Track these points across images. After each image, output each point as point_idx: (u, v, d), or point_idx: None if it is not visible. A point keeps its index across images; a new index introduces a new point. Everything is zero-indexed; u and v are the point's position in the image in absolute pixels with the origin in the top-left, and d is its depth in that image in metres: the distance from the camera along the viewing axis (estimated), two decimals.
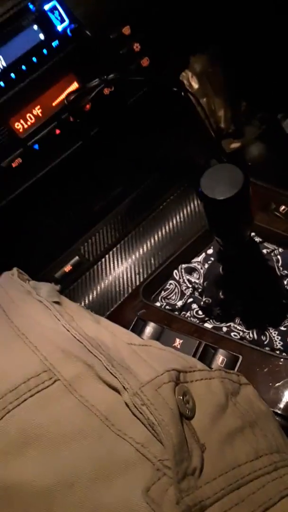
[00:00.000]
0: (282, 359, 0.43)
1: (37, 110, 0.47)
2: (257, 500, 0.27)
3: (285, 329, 0.47)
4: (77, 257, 0.58)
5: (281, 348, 0.47)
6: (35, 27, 0.46)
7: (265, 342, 0.47)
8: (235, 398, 0.34)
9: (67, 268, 0.57)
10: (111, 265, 0.59)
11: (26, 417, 0.29)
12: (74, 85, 0.50)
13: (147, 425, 0.29)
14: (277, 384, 0.42)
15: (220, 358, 0.45)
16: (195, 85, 0.76)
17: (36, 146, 0.47)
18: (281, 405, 0.41)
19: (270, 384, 0.43)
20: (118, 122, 0.54)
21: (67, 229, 0.58)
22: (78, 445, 0.28)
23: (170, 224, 0.61)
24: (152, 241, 0.60)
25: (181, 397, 0.30)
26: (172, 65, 0.62)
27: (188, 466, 0.27)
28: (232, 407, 0.33)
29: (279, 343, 0.47)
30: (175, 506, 0.25)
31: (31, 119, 0.46)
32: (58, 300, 0.42)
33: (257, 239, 0.56)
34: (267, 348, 0.47)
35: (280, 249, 0.54)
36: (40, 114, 0.47)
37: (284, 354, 0.46)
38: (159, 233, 0.61)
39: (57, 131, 0.48)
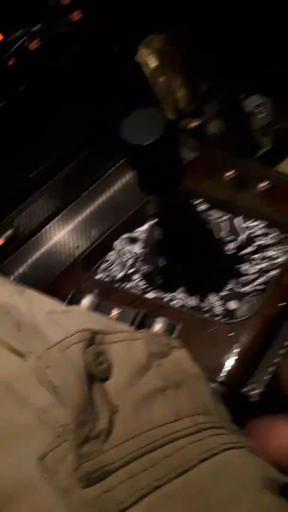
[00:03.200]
0: (220, 325, 0.41)
1: None
2: (172, 463, 0.24)
3: (226, 293, 0.45)
4: (10, 230, 0.54)
5: (222, 313, 0.44)
6: None
7: (205, 308, 0.44)
8: (160, 359, 0.31)
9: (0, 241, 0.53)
10: (49, 238, 0.55)
11: None
12: None
13: (51, 389, 0.25)
14: (216, 349, 0.40)
15: (157, 326, 0.42)
16: (153, 63, 0.73)
17: None
18: (219, 372, 0.39)
19: (209, 350, 0.40)
20: (47, 82, 0.50)
21: None
22: None
23: (112, 194, 0.58)
24: (93, 212, 0.57)
25: (93, 358, 0.27)
26: (114, 24, 0.58)
27: (92, 429, 0.24)
28: (155, 368, 0.29)
29: (219, 308, 0.44)
30: (72, 473, 0.22)
31: None
32: None
33: (204, 206, 0.54)
34: (207, 314, 0.44)
35: (225, 216, 0.52)
36: None
37: (224, 319, 0.43)
38: (100, 204, 0.57)
39: None
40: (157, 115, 0.35)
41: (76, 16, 0.50)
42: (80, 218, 0.56)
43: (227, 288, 0.45)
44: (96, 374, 0.27)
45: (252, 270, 0.47)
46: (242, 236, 0.49)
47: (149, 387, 0.28)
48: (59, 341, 0.28)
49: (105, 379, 0.27)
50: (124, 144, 0.34)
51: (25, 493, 0.22)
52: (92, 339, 0.29)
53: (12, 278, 0.52)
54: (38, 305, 0.36)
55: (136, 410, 0.26)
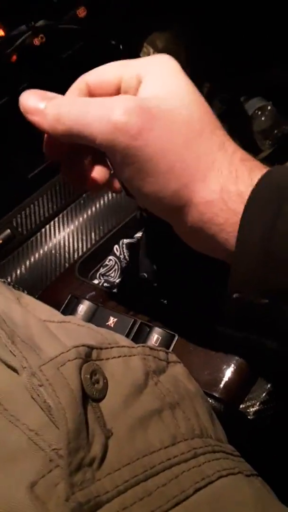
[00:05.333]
0: (220, 337, 0.40)
1: None
2: (167, 493, 0.23)
3: (224, 304, 0.44)
4: (8, 230, 0.52)
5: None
6: None
7: (204, 319, 0.43)
8: (157, 377, 0.30)
9: None
10: (47, 240, 0.54)
11: None
12: None
13: (44, 409, 0.24)
14: (213, 364, 0.39)
15: (154, 337, 0.41)
16: None
17: None
18: (216, 387, 0.38)
19: (206, 364, 0.39)
20: (50, 79, 0.49)
21: None
22: None
23: (114, 196, 0.56)
24: (93, 215, 0.55)
25: (89, 376, 0.26)
26: (118, 22, 0.57)
27: (84, 456, 0.23)
28: (152, 387, 0.29)
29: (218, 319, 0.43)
30: (64, 503, 0.21)
31: None
32: None
33: None
34: (205, 325, 0.43)
35: None
36: None
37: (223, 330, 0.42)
38: (101, 206, 0.56)
39: None
40: None
41: (81, 12, 0.49)
42: (80, 220, 0.54)
43: (224, 299, 0.44)
44: (91, 394, 0.26)
45: None
46: None
47: (145, 408, 0.27)
48: (54, 357, 0.27)
49: (101, 398, 0.26)
50: None
51: None
52: (89, 354, 0.28)
53: (8, 279, 0.51)
54: (34, 313, 0.35)
55: (132, 434, 0.25)
